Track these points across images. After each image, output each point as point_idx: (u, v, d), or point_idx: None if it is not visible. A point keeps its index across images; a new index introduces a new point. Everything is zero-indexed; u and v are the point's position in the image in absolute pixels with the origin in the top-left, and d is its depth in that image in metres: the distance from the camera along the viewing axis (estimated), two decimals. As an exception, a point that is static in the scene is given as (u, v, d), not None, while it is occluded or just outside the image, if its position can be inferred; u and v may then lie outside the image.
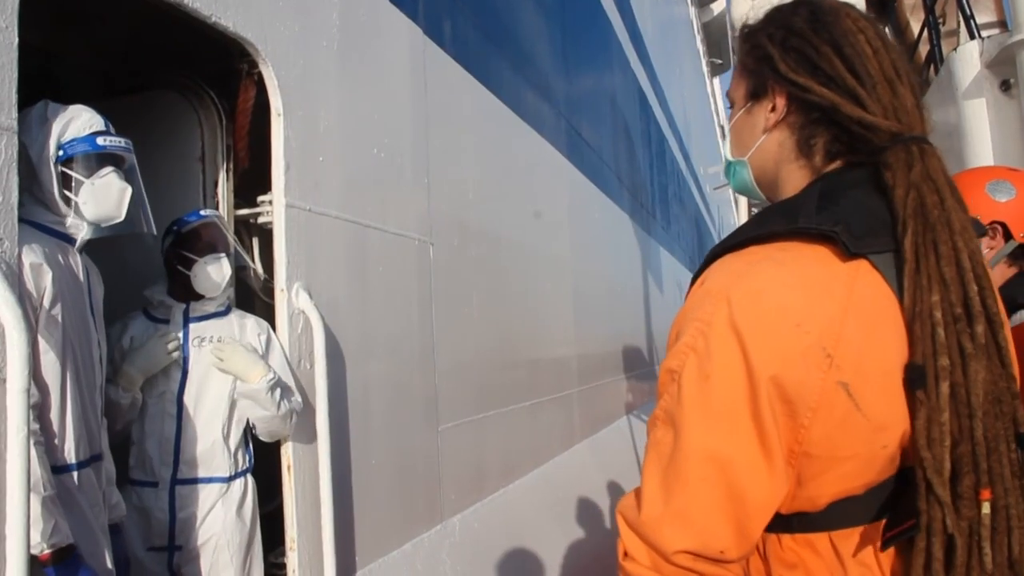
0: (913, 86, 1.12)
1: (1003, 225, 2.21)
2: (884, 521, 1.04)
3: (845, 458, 1.01)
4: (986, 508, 0.96)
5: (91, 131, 2.22)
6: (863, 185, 1.08)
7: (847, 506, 1.05)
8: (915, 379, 0.97)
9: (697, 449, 1.01)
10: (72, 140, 2.18)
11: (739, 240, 1.10)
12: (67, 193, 2.18)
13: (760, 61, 1.20)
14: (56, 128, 2.16)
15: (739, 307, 1.00)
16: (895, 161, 1.05)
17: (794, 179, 1.17)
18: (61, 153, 2.17)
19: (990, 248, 2.22)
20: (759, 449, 0.99)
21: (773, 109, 1.18)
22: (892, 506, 1.03)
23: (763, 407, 0.98)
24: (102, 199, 2.23)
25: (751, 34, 1.23)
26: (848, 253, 1.01)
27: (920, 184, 1.03)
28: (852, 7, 1.17)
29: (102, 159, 2.24)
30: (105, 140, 2.24)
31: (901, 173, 1.04)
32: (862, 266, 1.02)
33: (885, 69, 1.10)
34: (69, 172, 2.18)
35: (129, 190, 2.30)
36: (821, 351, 0.97)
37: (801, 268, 1.02)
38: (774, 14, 1.21)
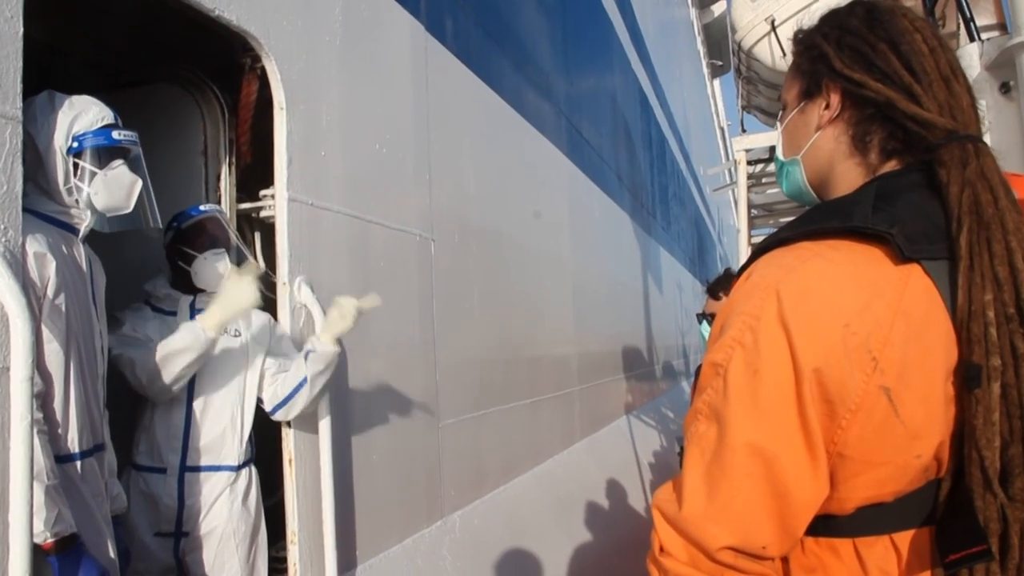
0: (968, 86, 1.11)
1: None
2: (910, 533, 1.03)
3: (878, 463, 1.00)
4: None
5: (103, 124, 2.23)
6: (920, 189, 1.06)
7: (875, 513, 1.04)
8: (972, 378, 0.96)
9: (743, 444, 1.00)
10: (85, 133, 2.19)
11: (789, 235, 1.09)
12: (79, 184, 2.19)
13: (815, 60, 1.20)
14: (66, 119, 2.17)
15: (789, 303, 1.00)
16: (950, 159, 1.04)
17: (849, 177, 1.16)
18: (76, 145, 2.18)
19: None
20: (804, 446, 0.99)
21: (827, 106, 1.18)
22: (946, 525, 1.01)
23: (808, 404, 0.98)
24: (115, 190, 2.25)
25: (806, 36, 1.23)
26: (902, 256, 1.00)
27: (975, 182, 1.02)
28: (908, 8, 1.17)
29: (113, 151, 2.26)
30: (120, 134, 2.26)
31: (956, 171, 1.03)
32: (914, 271, 1.00)
33: (941, 67, 1.10)
34: (80, 163, 2.19)
35: (139, 182, 2.32)
36: (867, 353, 0.97)
37: (853, 268, 1.01)
38: (829, 16, 1.22)
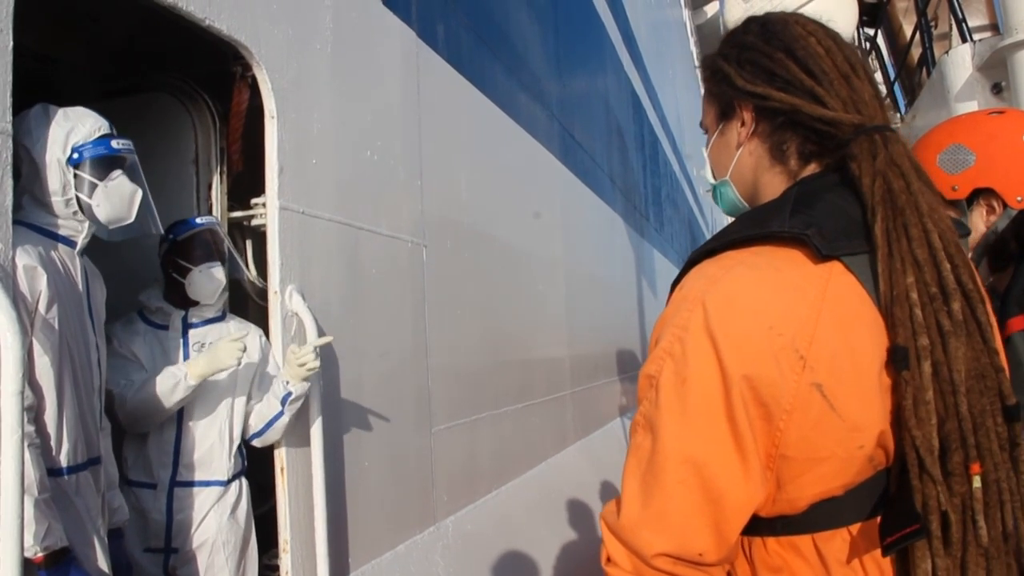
0: (870, 77, 1.15)
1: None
2: (865, 523, 1.05)
3: (822, 459, 1.02)
4: (977, 482, 0.97)
5: (100, 134, 2.24)
6: (837, 188, 1.10)
7: (828, 508, 1.05)
8: (899, 360, 0.99)
9: (674, 452, 1.02)
10: (84, 144, 2.20)
11: (715, 246, 1.12)
12: (80, 195, 2.20)
13: (721, 82, 1.24)
14: (62, 131, 2.17)
15: (714, 311, 1.02)
16: (859, 152, 1.08)
17: (772, 186, 1.20)
18: (76, 156, 2.18)
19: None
20: (735, 451, 1.01)
21: (743, 124, 1.21)
22: (887, 510, 1.03)
23: (737, 409, 1.00)
24: (116, 201, 2.27)
25: (710, 61, 1.27)
26: (820, 255, 1.02)
27: (885, 171, 1.05)
28: (800, 15, 1.21)
29: (112, 162, 2.27)
30: (118, 143, 2.28)
31: (866, 163, 1.07)
32: (835, 268, 1.03)
33: (839, 65, 1.13)
34: (81, 174, 2.20)
35: (140, 192, 2.34)
36: (794, 353, 0.99)
37: (774, 271, 1.04)
38: (727, 37, 1.26)
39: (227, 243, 2.90)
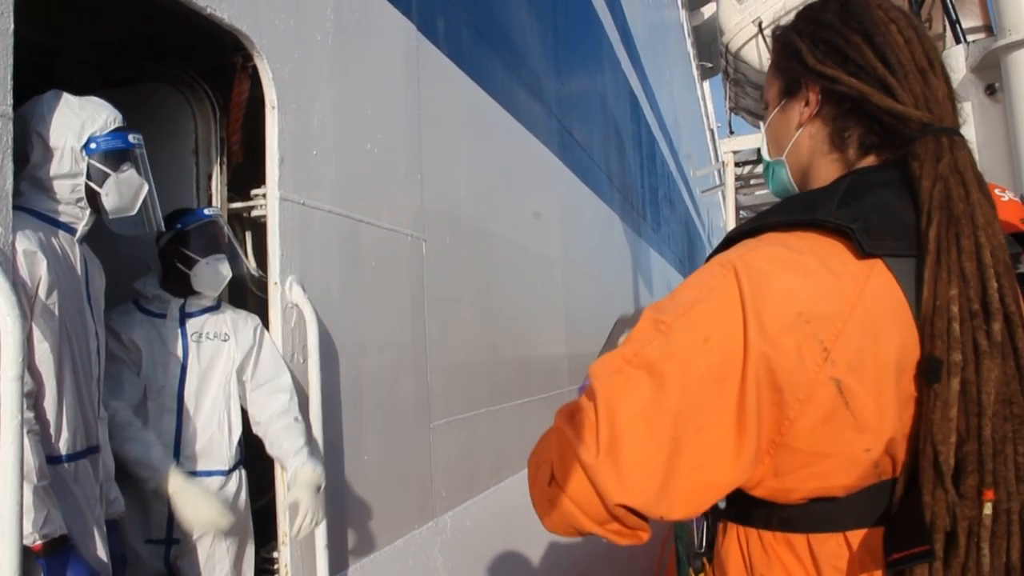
0: (946, 76, 1.10)
1: None
2: (863, 532, 1.03)
3: (826, 455, 1.00)
4: (987, 509, 0.94)
5: (116, 126, 2.26)
6: (893, 186, 1.06)
7: (826, 508, 1.03)
8: (931, 372, 0.96)
9: (673, 406, 0.98)
10: (101, 134, 2.21)
11: (756, 225, 1.09)
12: (91, 184, 2.20)
13: (790, 57, 1.19)
14: (77, 120, 2.17)
15: (747, 280, 0.99)
16: (923, 152, 1.04)
17: (826, 172, 1.16)
18: (94, 146, 2.19)
19: None
20: (734, 424, 0.98)
21: (807, 104, 1.18)
22: (892, 524, 1.00)
23: (750, 384, 0.97)
24: (124, 192, 2.27)
25: (782, 33, 1.23)
26: (863, 252, 1.00)
27: (947, 176, 1.02)
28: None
29: (123, 155, 2.28)
30: (133, 138, 2.30)
31: (929, 164, 1.03)
32: (877, 267, 1.00)
33: (917, 59, 1.09)
34: (95, 164, 2.21)
35: (146, 186, 2.35)
36: (818, 343, 0.96)
37: (815, 258, 1.01)
38: (804, 11, 1.21)
39: (230, 237, 2.89)
